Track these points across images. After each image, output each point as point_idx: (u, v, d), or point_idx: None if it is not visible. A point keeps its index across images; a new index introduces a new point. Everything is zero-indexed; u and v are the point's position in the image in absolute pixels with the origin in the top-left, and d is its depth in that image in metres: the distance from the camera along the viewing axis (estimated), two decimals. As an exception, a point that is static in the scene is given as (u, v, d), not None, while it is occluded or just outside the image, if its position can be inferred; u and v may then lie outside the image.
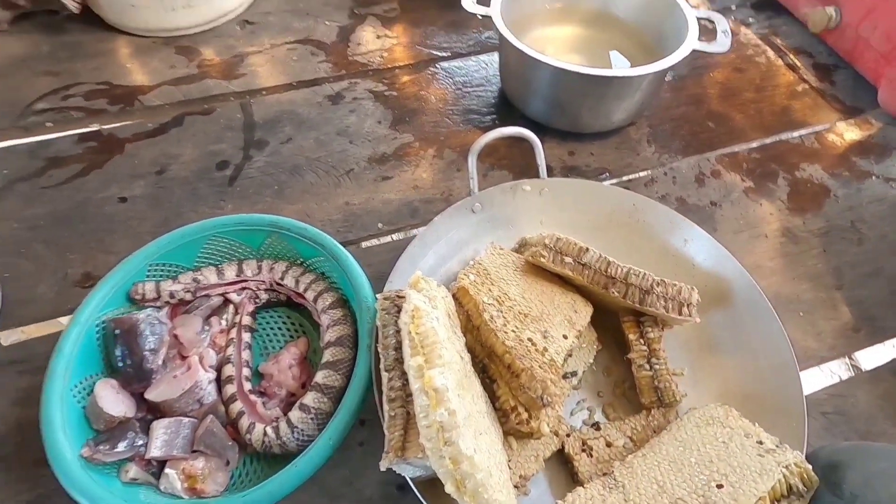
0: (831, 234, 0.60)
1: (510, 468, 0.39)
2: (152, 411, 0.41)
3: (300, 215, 0.57)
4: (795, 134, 0.69)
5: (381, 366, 0.37)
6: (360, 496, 0.41)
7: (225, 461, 0.40)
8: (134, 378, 0.41)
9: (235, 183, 0.60)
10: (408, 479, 0.35)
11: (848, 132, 0.70)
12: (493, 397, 0.39)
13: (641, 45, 0.69)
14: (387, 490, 0.42)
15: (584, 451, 0.40)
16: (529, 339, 0.40)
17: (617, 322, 0.46)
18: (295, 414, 0.39)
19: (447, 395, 0.30)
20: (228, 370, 0.43)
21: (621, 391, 0.46)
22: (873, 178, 0.65)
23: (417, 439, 0.32)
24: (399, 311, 0.39)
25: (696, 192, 0.62)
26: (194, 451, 0.39)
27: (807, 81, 0.76)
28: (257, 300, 0.48)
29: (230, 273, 0.47)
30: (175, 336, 0.44)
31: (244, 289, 0.47)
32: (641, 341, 0.44)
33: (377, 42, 0.77)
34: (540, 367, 0.38)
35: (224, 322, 0.46)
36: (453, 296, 0.42)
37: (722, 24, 0.62)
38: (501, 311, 0.41)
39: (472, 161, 0.49)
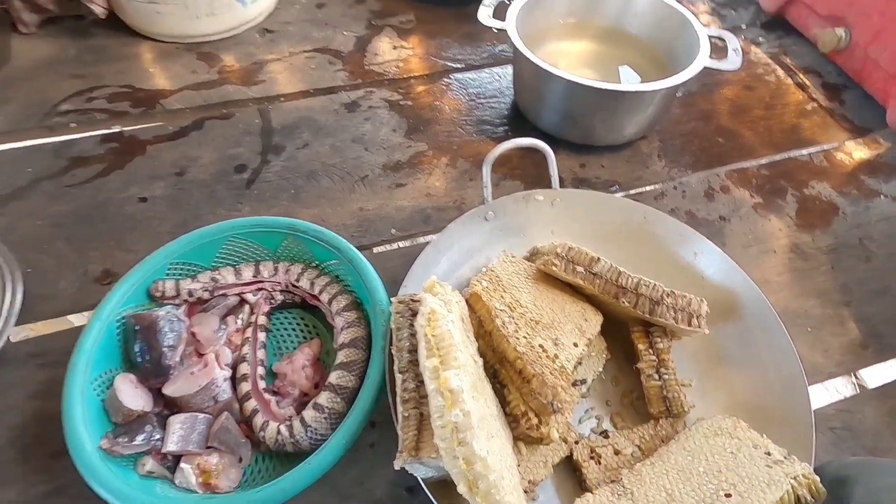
0: (839, 251, 0.60)
1: (519, 473, 0.39)
2: (169, 406, 0.42)
3: (315, 219, 0.58)
4: (804, 152, 0.70)
5: (395, 368, 0.38)
6: (370, 497, 0.42)
7: (238, 458, 0.41)
8: (152, 373, 0.42)
9: (253, 186, 0.62)
10: (420, 479, 0.35)
11: (857, 151, 0.71)
12: (503, 402, 0.40)
13: (653, 61, 0.70)
14: (396, 492, 0.42)
15: (592, 458, 0.41)
16: (540, 346, 0.40)
17: (626, 333, 0.47)
18: (308, 413, 0.40)
19: (462, 397, 0.30)
20: (244, 368, 0.44)
21: (629, 401, 0.46)
22: (882, 196, 0.66)
23: (431, 440, 0.33)
24: (413, 315, 0.40)
25: (706, 206, 0.63)
26: (209, 447, 0.40)
27: (816, 100, 0.77)
28: (273, 301, 0.49)
29: (247, 274, 0.48)
30: (192, 334, 0.45)
31: (260, 289, 0.48)
32: (650, 351, 0.44)
33: (393, 52, 0.79)
34: (551, 373, 0.38)
35: (240, 321, 0.47)
36: (466, 301, 0.43)
37: (733, 42, 0.63)
38: (513, 318, 0.42)
39: (486, 170, 0.50)
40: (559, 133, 0.67)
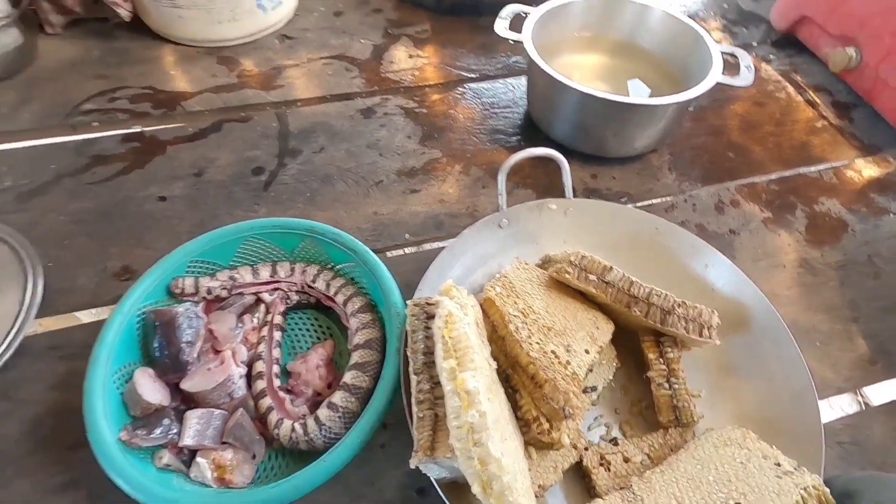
0: (848, 267, 0.61)
1: (530, 477, 0.39)
2: (186, 401, 0.43)
3: (330, 222, 0.58)
4: (814, 168, 0.71)
5: (410, 369, 0.39)
6: (381, 497, 0.42)
7: (252, 454, 0.41)
8: (170, 368, 0.42)
9: (269, 188, 0.63)
10: (433, 479, 0.36)
11: (866, 169, 0.71)
12: (515, 407, 0.41)
13: (666, 76, 0.71)
14: (406, 493, 0.43)
15: (602, 464, 0.41)
16: (553, 352, 0.41)
17: (635, 342, 0.48)
18: (323, 412, 0.41)
19: (478, 398, 0.31)
20: (259, 366, 0.45)
21: (638, 410, 0.47)
22: (891, 214, 0.66)
23: (446, 440, 0.33)
24: (428, 318, 0.40)
25: (716, 219, 0.64)
26: (224, 443, 0.41)
27: (826, 118, 0.78)
28: (288, 301, 0.49)
29: (265, 273, 0.49)
30: (210, 331, 0.46)
31: (276, 289, 0.49)
32: (661, 361, 0.45)
33: (409, 61, 0.80)
34: (563, 379, 0.39)
35: (256, 320, 0.48)
36: (480, 306, 0.44)
37: (745, 59, 0.64)
38: (526, 324, 0.42)
39: (501, 178, 0.51)
40: (571, 144, 0.68)
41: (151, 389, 0.41)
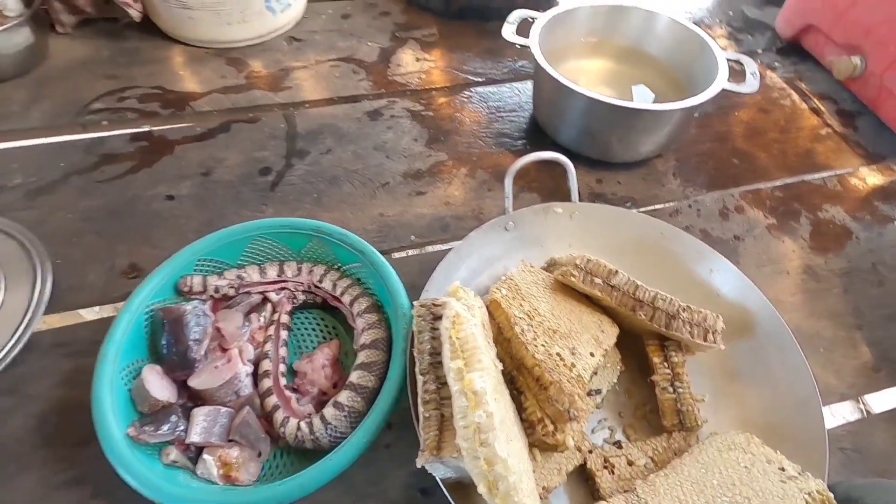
0: (852, 274, 0.61)
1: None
2: (193, 399, 0.43)
3: (336, 223, 0.59)
4: (818, 176, 0.71)
5: (417, 370, 0.39)
6: (385, 497, 0.42)
7: (257, 452, 0.41)
8: (178, 366, 0.43)
9: (277, 189, 0.63)
10: (438, 479, 0.36)
11: (870, 177, 0.72)
12: (519, 409, 0.41)
13: (671, 82, 0.71)
14: (410, 493, 0.43)
15: (606, 467, 0.41)
16: (558, 354, 0.41)
17: (640, 346, 0.48)
18: (329, 411, 0.41)
19: (486, 398, 0.31)
20: (265, 365, 0.45)
21: (642, 413, 0.47)
22: (895, 223, 0.67)
23: (452, 440, 0.34)
24: (434, 319, 0.41)
25: (720, 225, 0.64)
26: (230, 441, 0.41)
27: (830, 126, 0.78)
28: (295, 300, 0.50)
29: (272, 273, 0.49)
30: (217, 329, 0.46)
31: (283, 289, 0.50)
32: (665, 364, 0.45)
33: (416, 64, 0.81)
34: (568, 381, 0.39)
35: (262, 319, 0.48)
36: (486, 308, 0.44)
37: (751, 66, 0.64)
38: (531, 326, 0.43)
39: (508, 182, 0.52)
40: (577, 148, 0.68)
41: (159, 386, 0.41)
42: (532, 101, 0.74)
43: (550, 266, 0.52)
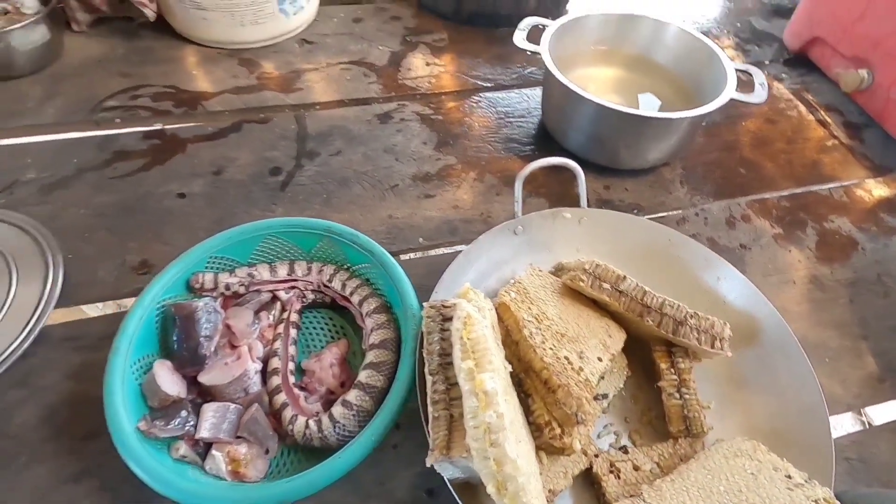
0: (858, 285, 0.61)
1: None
2: (202, 395, 0.43)
3: (345, 224, 0.59)
4: (824, 187, 0.72)
5: (426, 370, 0.39)
6: (391, 497, 0.43)
7: (265, 449, 0.42)
8: (188, 361, 0.43)
9: (287, 189, 0.64)
10: (446, 479, 0.36)
11: (876, 189, 0.72)
12: (527, 411, 0.41)
13: (679, 91, 0.72)
14: (417, 494, 0.43)
15: (611, 472, 0.41)
16: (566, 358, 0.41)
17: (646, 352, 0.48)
18: (337, 410, 0.41)
19: (496, 399, 0.32)
20: (274, 363, 0.45)
21: (648, 419, 0.47)
22: (901, 235, 0.67)
23: (462, 440, 0.34)
24: (444, 320, 0.41)
25: (727, 233, 0.64)
26: (238, 437, 0.41)
27: (837, 137, 0.78)
28: (304, 299, 0.50)
29: (282, 272, 0.49)
30: (227, 326, 0.46)
31: (293, 288, 0.50)
32: (672, 371, 0.45)
33: (426, 69, 0.81)
34: (576, 384, 0.39)
35: (272, 317, 0.49)
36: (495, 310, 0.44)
37: (759, 76, 0.65)
38: (540, 329, 0.43)
39: (518, 186, 0.52)
40: (585, 155, 0.68)
41: (170, 381, 0.41)
42: (541, 107, 0.75)
43: (558, 270, 0.52)
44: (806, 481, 0.37)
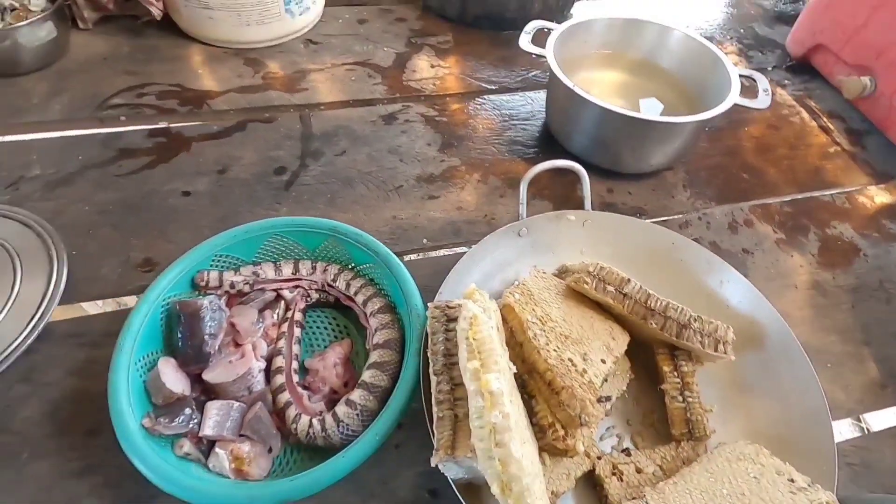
0: (860, 291, 0.61)
1: (543, 483, 0.40)
2: (206, 393, 0.43)
3: (350, 224, 0.60)
4: (826, 192, 0.72)
5: (431, 370, 0.39)
6: (394, 497, 0.43)
7: (268, 448, 0.42)
8: (193, 359, 0.43)
9: (291, 188, 0.64)
10: (450, 479, 0.36)
11: (878, 196, 0.72)
12: (530, 413, 0.41)
13: (682, 96, 0.72)
14: (419, 494, 0.43)
15: (614, 474, 0.41)
16: (570, 360, 0.41)
17: (649, 355, 0.48)
18: (341, 409, 0.41)
19: (502, 399, 0.32)
20: (278, 361, 0.45)
21: (650, 422, 0.47)
22: (903, 241, 0.67)
23: (466, 440, 0.34)
24: (448, 321, 0.41)
25: (729, 238, 0.65)
26: (241, 435, 0.41)
27: (839, 144, 0.79)
28: (308, 298, 0.50)
29: (287, 270, 0.50)
30: (232, 324, 0.46)
31: (297, 287, 0.50)
32: (675, 374, 0.45)
33: (431, 70, 0.82)
34: (580, 386, 0.39)
35: (276, 316, 0.49)
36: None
37: (763, 82, 0.65)
38: (544, 331, 0.43)
39: (523, 188, 0.52)
40: (588, 158, 0.68)
41: (174, 379, 0.41)
42: (545, 109, 0.75)
43: (562, 273, 0.52)
44: (809, 485, 0.37)
